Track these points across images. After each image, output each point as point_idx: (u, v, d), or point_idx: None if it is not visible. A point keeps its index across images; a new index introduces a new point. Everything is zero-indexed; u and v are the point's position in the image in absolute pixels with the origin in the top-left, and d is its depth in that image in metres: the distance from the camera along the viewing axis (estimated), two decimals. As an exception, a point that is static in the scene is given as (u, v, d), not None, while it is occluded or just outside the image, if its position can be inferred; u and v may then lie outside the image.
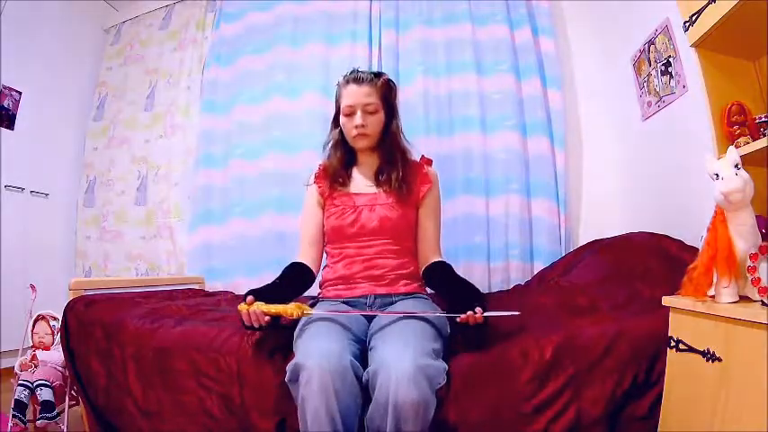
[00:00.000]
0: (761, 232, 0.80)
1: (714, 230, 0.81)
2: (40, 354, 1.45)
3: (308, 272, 1.23)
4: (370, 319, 1.10)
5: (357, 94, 1.21)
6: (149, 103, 2.78)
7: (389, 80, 1.29)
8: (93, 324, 1.32)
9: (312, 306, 1.14)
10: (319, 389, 0.84)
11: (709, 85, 1.05)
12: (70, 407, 1.44)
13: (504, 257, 2.02)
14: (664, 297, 0.92)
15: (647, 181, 1.84)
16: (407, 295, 1.18)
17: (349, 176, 1.30)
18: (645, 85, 1.76)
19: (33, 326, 1.50)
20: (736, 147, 0.88)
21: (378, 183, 1.26)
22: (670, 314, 0.91)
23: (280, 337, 1.09)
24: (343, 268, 1.21)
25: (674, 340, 0.89)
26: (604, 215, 2.06)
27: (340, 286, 1.21)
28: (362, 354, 0.98)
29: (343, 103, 1.23)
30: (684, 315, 0.86)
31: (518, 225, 2.03)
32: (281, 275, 1.19)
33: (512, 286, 1.96)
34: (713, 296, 0.81)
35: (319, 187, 1.30)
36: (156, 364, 1.18)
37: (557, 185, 2.07)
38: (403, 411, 0.82)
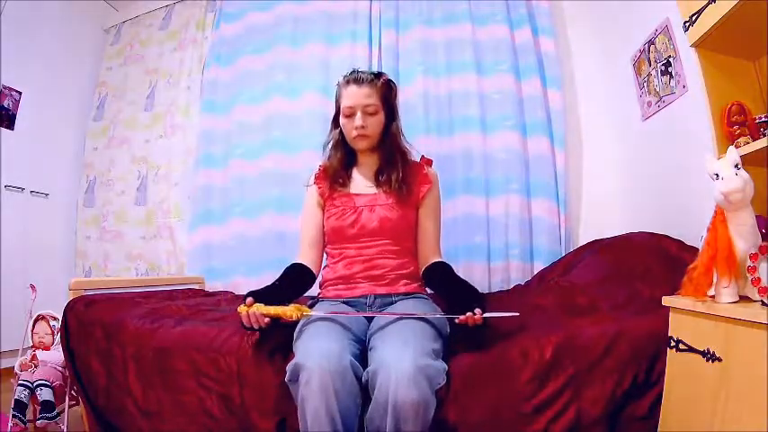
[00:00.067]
0: (761, 232, 0.80)
1: (714, 230, 0.81)
2: (40, 354, 1.45)
3: (308, 273, 1.23)
4: (369, 318, 1.10)
5: (357, 95, 1.21)
6: (149, 103, 2.78)
7: (389, 81, 1.28)
8: (93, 324, 1.32)
9: (312, 306, 1.15)
10: (319, 389, 0.84)
11: (709, 85, 1.05)
12: (70, 407, 1.44)
13: (504, 257, 2.02)
14: (664, 297, 0.92)
15: (647, 181, 1.84)
16: (407, 295, 1.18)
17: (349, 177, 1.30)
18: (645, 85, 1.76)
19: (33, 326, 1.50)
20: (736, 147, 0.88)
21: (378, 183, 1.26)
22: (670, 314, 0.91)
23: (280, 337, 1.09)
24: (344, 268, 1.21)
25: (674, 340, 0.89)
26: (604, 215, 2.05)
27: (340, 286, 1.21)
28: (362, 354, 0.98)
29: (344, 104, 1.23)
30: (684, 315, 0.86)
31: (518, 225, 2.03)
32: (281, 276, 1.19)
33: (512, 286, 1.96)
34: (713, 296, 0.81)
35: (319, 188, 1.30)
36: (156, 364, 1.18)
37: (557, 185, 2.07)
38: (403, 411, 0.82)
